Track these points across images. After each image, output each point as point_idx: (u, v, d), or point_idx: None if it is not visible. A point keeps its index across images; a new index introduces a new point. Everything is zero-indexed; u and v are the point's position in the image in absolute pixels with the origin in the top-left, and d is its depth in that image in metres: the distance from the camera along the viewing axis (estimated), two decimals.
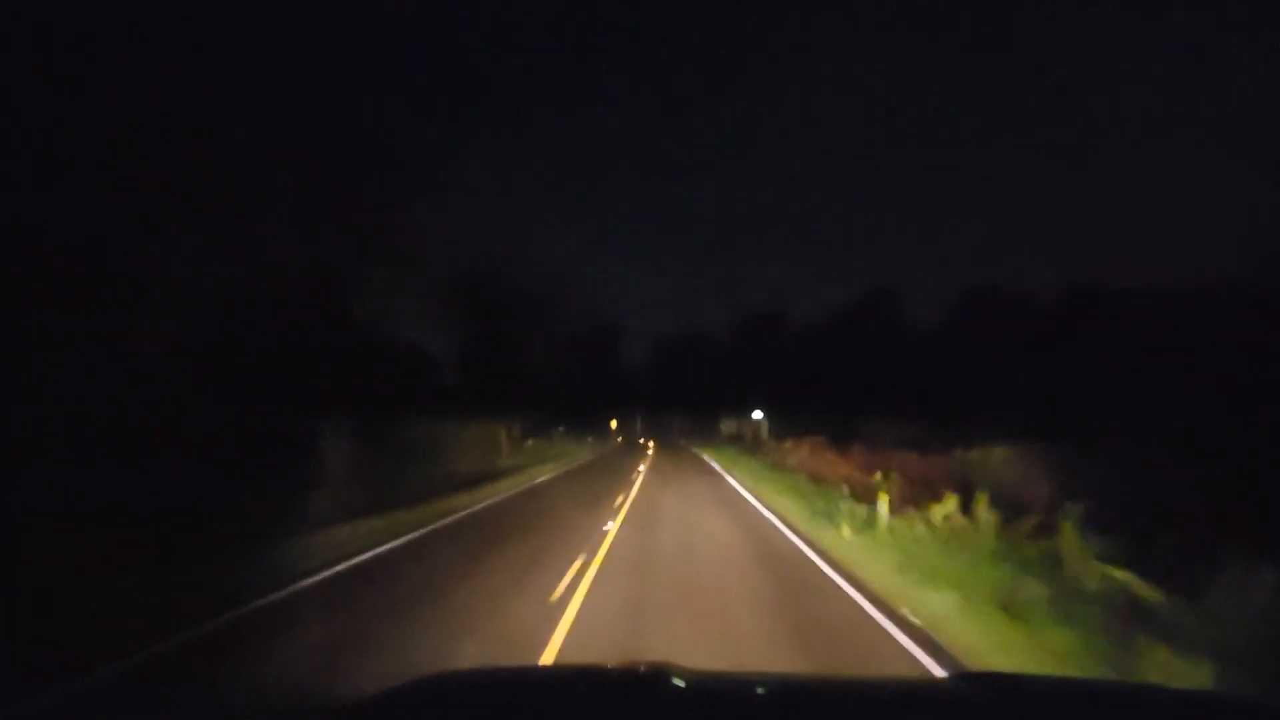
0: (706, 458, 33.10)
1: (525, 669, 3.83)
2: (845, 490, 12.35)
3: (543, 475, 21.77)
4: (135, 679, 4.53)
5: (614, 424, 66.70)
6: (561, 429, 63.39)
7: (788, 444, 26.64)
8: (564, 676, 2.23)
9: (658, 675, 1.68)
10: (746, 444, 35.87)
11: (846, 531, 9.94)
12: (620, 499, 14.81)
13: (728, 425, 50.30)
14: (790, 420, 40.01)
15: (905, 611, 5.91)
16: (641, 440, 58.28)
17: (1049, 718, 1.46)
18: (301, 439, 14.49)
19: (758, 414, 37.88)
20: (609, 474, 22.65)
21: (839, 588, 6.87)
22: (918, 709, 1.58)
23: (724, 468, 25.92)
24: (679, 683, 1.63)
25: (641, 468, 25.69)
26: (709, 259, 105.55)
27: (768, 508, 13.51)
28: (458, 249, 26.52)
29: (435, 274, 25.72)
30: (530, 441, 33.06)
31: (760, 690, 1.73)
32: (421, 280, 24.90)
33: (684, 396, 51.58)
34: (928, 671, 4.46)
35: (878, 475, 13.07)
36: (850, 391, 37.22)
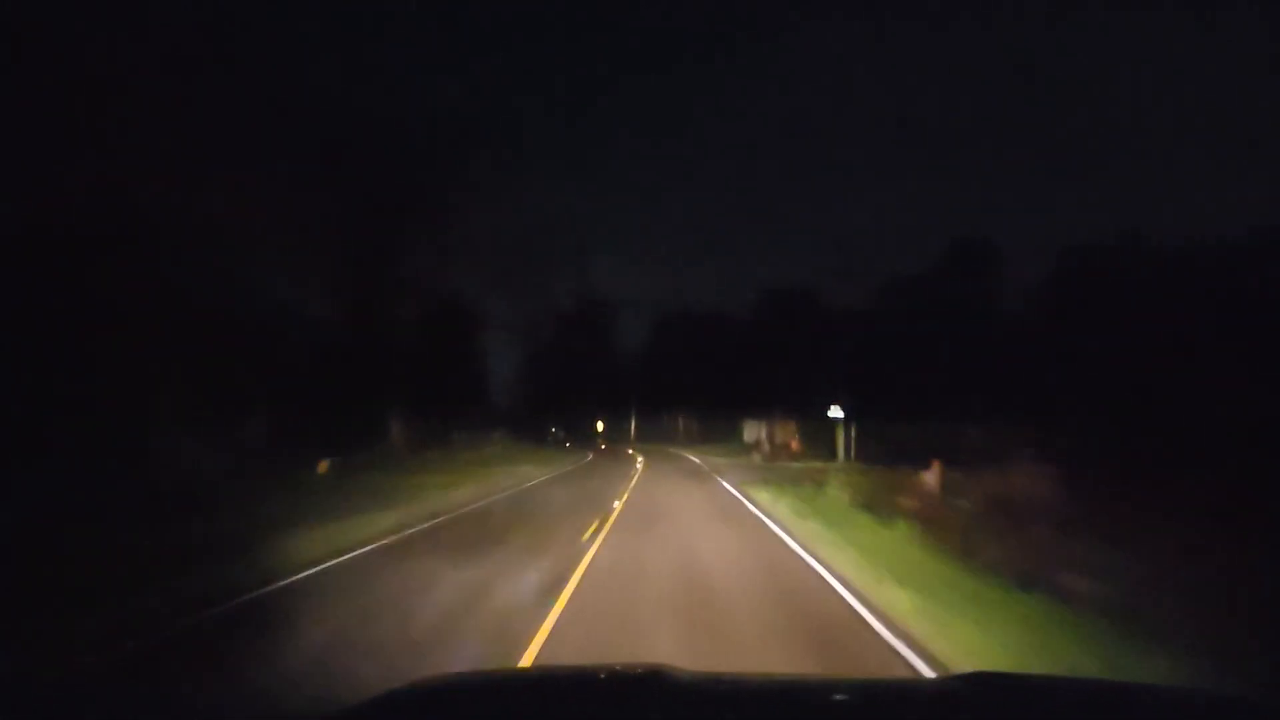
0: (780, 529, 10.81)
1: (522, 671, 3.76)
2: None
3: None
4: None
5: (600, 426, 55.67)
6: (555, 430, 51.70)
7: (930, 475, 14.40)
8: (561, 679, 2.05)
9: (655, 677, 1.62)
10: (827, 470, 23.29)
11: None
12: None
13: (752, 430, 38.18)
14: (857, 425, 28.06)
15: None
16: (630, 451, 42.96)
17: (1047, 718, 1.42)
18: None
19: (836, 412, 24.92)
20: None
21: None
22: (915, 709, 1.55)
23: None
24: (676, 684, 1.58)
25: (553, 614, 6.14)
26: (725, 223, 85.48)
27: None
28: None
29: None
30: (326, 467, 17.44)
31: (758, 691, 1.72)
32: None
33: (692, 391, 39.36)
34: None
35: None
36: (950, 386, 25.50)
